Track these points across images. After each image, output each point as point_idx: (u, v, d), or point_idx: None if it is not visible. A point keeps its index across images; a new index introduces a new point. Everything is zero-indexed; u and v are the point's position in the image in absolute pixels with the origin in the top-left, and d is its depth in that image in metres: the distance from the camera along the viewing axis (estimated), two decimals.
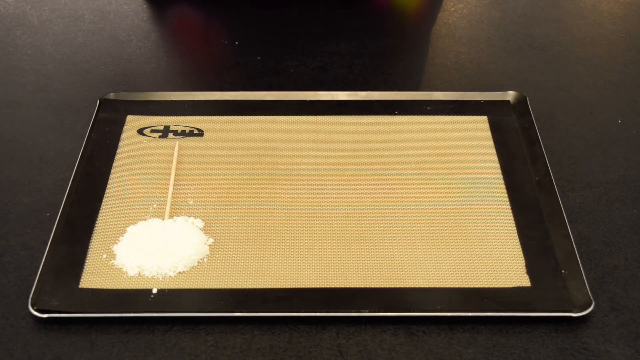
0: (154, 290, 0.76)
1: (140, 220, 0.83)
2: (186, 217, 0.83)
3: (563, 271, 0.78)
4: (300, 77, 1.08)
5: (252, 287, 0.77)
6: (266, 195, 0.87)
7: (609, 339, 0.74)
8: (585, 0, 1.28)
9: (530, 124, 0.97)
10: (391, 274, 0.78)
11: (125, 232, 0.81)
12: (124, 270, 0.78)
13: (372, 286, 0.77)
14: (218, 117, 0.98)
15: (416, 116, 0.98)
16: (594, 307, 0.75)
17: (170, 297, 0.76)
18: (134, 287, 0.76)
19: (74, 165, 0.89)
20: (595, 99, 1.05)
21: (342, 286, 0.77)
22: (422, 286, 0.77)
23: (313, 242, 0.81)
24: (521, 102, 1.00)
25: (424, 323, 0.75)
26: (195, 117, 0.98)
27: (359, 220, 0.84)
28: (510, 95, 1.01)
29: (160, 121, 0.97)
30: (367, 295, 0.76)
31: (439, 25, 1.22)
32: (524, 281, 0.78)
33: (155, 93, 1.02)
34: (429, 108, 1.00)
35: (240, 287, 0.77)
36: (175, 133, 0.95)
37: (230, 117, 0.98)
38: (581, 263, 0.79)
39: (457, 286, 0.77)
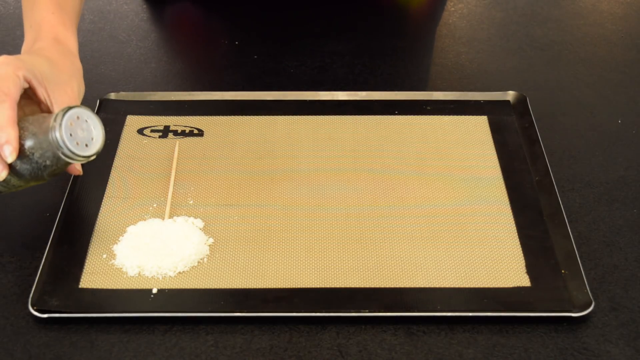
0: (154, 290, 0.76)
1: (140, 220, 0.83)
2: (186, 217, 0.83)
3: (563, 271, 0.78)
4: (300, 77, 1.08)
5: (252, 287, 0.77)
6: (266, 195, 0.87)
7: (609, 339, 0.74)
8: (585, 0, 1.28)
9: (530, 124, 0.97)
10: (391, 274, 0.78)
11: (125, 232, 0.81)
12: (124, 270, 0.78)
13: (372, 286, 0.77)
14: (218, 117, 0.98)
15: (416, 116, 0.98)
16: (594, 307, 0.75)
17: (170, 297, 0.76)
18: (134, 287, 0.76)
19: None
20: (595, 99, 1.05)
21: (342, 286, 0.77)
22: (422, 286, 0.77)
23: (313, 242, 0.81)
24: (521, 102, 1.00)
25: (424, 323, 0.75)
26: (195, 117, 0.98)
27: (359, 220, 0.84)
28: (510, 95, 1.01)
29: (160, 121, 0.97)
30: (367, 295, 0.76)
31: (439, 25, 1.22)
32: (524, 281, 0.78)
33: (155, 93, 1.02)
34: (429, 108, 1.00)
35: (240, 287, 0.77)
36: (175, 133, 0.95)
37: (230, 117, 0.98)
38: (581, 263, 0.79)
39: (457, 286, 0.77)
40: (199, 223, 0.83)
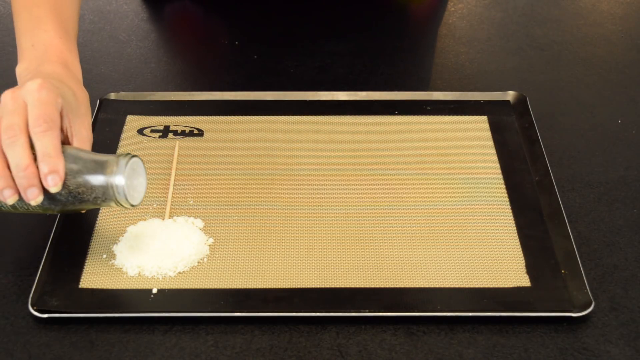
0: (154, 290, 0.76)
1: (140, 220, 0.83)
2: (186, 217, 0.83)
3: (563, 271, 0.78)
4: (300, 77, 1.08)
5: (252, 287, 0.77)
6: (266, 195, 0.87)
7: (609, 339, 0.74)
8: (585, 0, 1.28)
9: (530, 124, 0.97)
10: (391, 274, 0.78)
11: (125, 232, 0.81)
12: (124, 270, 0.78)
13: (372, 286, 0.77)
14: (218, 117, 0.98)
15: (416, 116, 0.98)
16: (594, 307, 0.75)
17: (170, 297, 0.76)
18: (134, 287, 0.76)
19: None
20: (595, 99, 1.05)
21: (342, 286, 0.77)
22: (422, 286, 0.77)
23: (313, 242, 0.81)
24: (521, 102, 1.00)
25: (424, 323, 0.75)
26: (195, 117, 0.98)
27: (359, 220, 0.84)
28: (510, 95, 1.01)
29: (160, 121, 0.97)
30: (367, 295, 0.76)
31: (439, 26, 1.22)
32: (524, 281, 0.78)
33: (155, 93, 1.02)
34: (429, 108, 1.00)
35: (240, 287, 0.77)
36: (175, 133, 0.95)
37: (230, 117, 0.98)
38: (581, 263, 0.79)
39: (457, 286, 0.77)
40: (199, 223, 0.83)
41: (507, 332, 0.74)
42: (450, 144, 0.94)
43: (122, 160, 0.72)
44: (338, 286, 0.77)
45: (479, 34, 1.19)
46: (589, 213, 0.87)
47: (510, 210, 0.85)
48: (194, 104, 1.00)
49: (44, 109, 0.71)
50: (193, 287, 0.77)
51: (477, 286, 0.77)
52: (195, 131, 0.96)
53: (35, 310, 0.74)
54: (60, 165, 0.70)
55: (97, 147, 0.92)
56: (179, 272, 0.78)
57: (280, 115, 0.98)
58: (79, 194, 0.72)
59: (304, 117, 0.98)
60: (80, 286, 0.77)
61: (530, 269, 0.79)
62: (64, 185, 0.71)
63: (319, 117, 0.98)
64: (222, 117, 0.98)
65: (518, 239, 0.82)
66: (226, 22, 1.21)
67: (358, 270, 0.79)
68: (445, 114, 0.99)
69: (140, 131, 0.95)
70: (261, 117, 0.98)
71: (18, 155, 0.70)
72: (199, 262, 0.79)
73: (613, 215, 0.87)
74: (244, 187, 0.88)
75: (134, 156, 0.73)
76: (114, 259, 0.79)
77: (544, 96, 1.04)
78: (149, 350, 0.72)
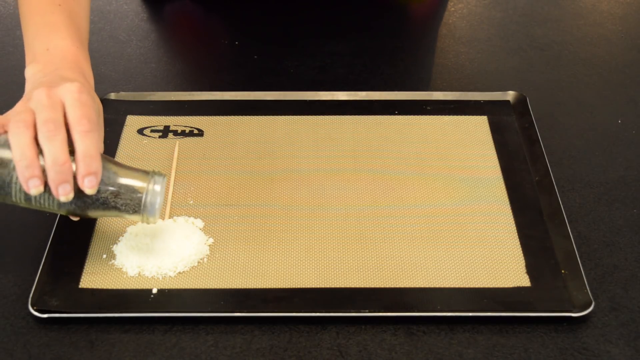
0: (154, 290, 0.76)
1: None
2: (186, 217, 0.83)
3: (563, 271, 0.78)
4: (300, 77, 1.08)
5: (252, 287, 0.77)
6: (266, 195, 0.87)
7: (609, 339, 0.74)
8: (585, 0, 1.28)
9: (530, 124, 0.97)
10: (391, 274, 0.78)
11: (125, 232, 0.81)
12: (124, 270, 0.78)
13: (372, 286, 0.77)
14: (218, 117, 0.98)
15: (416, 116, 0.98)
16: (594, 307, 0.75)
17: (170, 297, 0.76)
18: (134, 287, 0.76)
19: None
20: (595, 99, 1.05)
21: (342, 286, 0.77)
22: (422, 286, 0.77)
23: (313, 242, 0.81)
24: (521, 102, 1.00)
25: (424, 323, 0.75)
26: (195, 117, 0.98)
27: (359, 220, 0.84)
28: (510, 95, 1.01)
29: (160, 121, 0.97)
30: (367, 295, 0.76)
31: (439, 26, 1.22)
32: (524, 281, 0.78)
33: (155, 93, 1.02)
34: (429, 108, 1.00)
35: (240, 287, 0.77)
36: (175, 133, 0.95)
37: (230, 117, 0.98)
38: (581, 263, 0.79)
39: (457, 286, 0.77)
40: (199, 223, 0.83)
41: (507, 332, 0.74)
42: (450, 144, 0.94)
43: (159, 177, 0.74)
44: (338, 286, 0.77)
45: (479, 34, 1.19)
46: (589, 213, 0.87)
47: (510, 210, 0.85)
48: (194, 104, 1.00)
49: (86, 110, 0.71)
50: (193, 287, 0.77)
51: (477, 286, 0.77)
52: (195, 131, 0.96)
53: (35, 310, 0.74)
54: (99, 168, 0.70)
55: None
56: (179, 272, 0.78)
57: (280, 115, 0.98)
58: (106, 199, 0.72)
59: (304, 117, 0.98)
60: (80, 286, 0.77)
61: (530, 269, 0.79)
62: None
63: (319, 117, 0.98)
64: (222, 117, 0.98)
65: (518, 239, 0.82)
66: (226, 22, 1.21)
67: (358, 270, 0.79)
68: (445, 114, 0.99)
69: (140, 131, 0.95)
70: (261, 117, 0.98)
71: (57, 150, 0.69)
72: (199, 262, 0.79)
73: (613, 215, 0.87)
74: (244, 187, 0.88)
75: (164, 175, 0.75)
76: (114, 259, 0.79)
77: (544, 96, 1.04)
78: (149, 350, 0.72)
